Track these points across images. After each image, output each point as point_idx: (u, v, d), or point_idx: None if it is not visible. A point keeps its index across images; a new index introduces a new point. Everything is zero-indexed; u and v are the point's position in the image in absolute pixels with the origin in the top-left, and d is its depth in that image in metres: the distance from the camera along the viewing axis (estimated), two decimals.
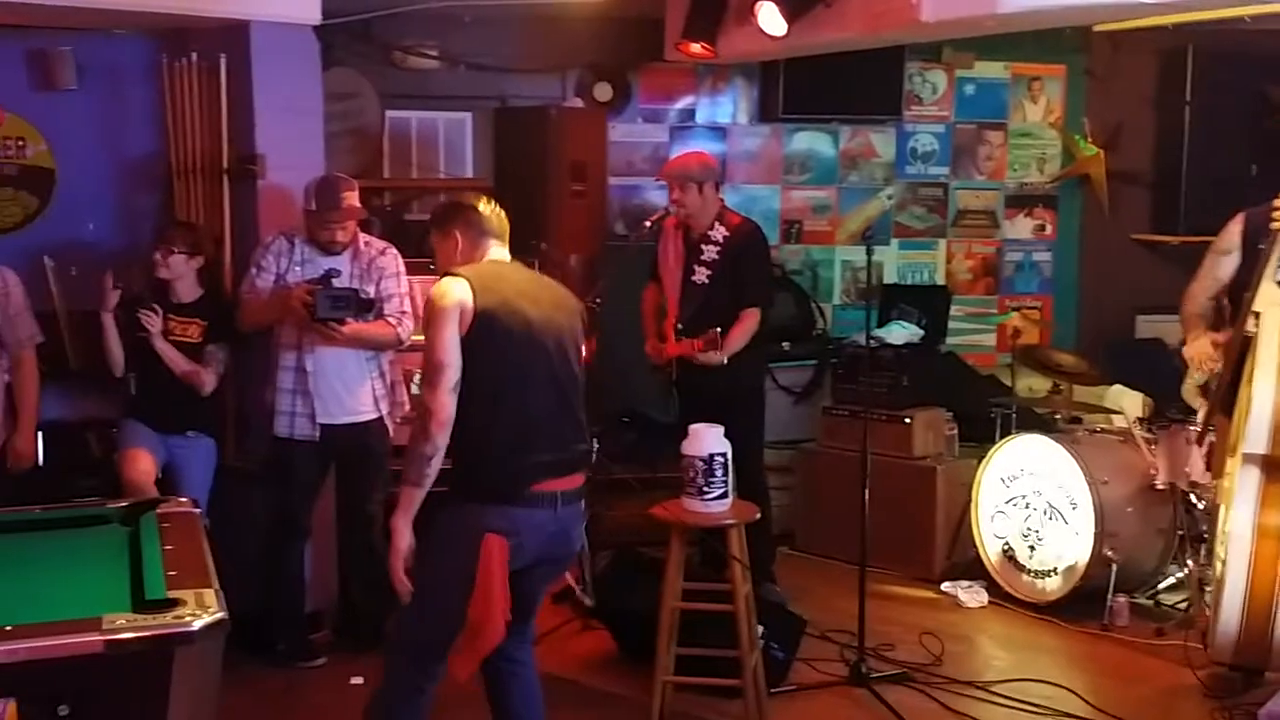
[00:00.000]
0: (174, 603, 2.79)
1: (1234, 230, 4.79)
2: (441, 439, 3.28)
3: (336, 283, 4.71)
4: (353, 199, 4.84)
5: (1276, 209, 4.47)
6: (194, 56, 5.25)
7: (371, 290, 4.82)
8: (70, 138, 5.49)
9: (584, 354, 3.60)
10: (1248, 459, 4.36)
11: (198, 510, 3.69)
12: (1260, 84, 7.07)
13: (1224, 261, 4.81)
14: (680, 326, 5.37)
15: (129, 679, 2.64)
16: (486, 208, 3.58)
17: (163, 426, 4.93)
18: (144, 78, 5.41)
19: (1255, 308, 4.45)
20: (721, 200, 5.55)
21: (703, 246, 5.40)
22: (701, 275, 5.39)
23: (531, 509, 3.33)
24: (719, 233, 5.40)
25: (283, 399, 4.81)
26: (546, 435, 3.38)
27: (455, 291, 3.32)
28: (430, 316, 3.32)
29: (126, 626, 2.66)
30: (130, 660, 2.64)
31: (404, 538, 3.32)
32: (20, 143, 5.46)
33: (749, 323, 5.29)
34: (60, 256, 5.34)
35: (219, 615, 2.75)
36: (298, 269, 4.83)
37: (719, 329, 5.10)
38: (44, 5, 4.67)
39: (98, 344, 4.90)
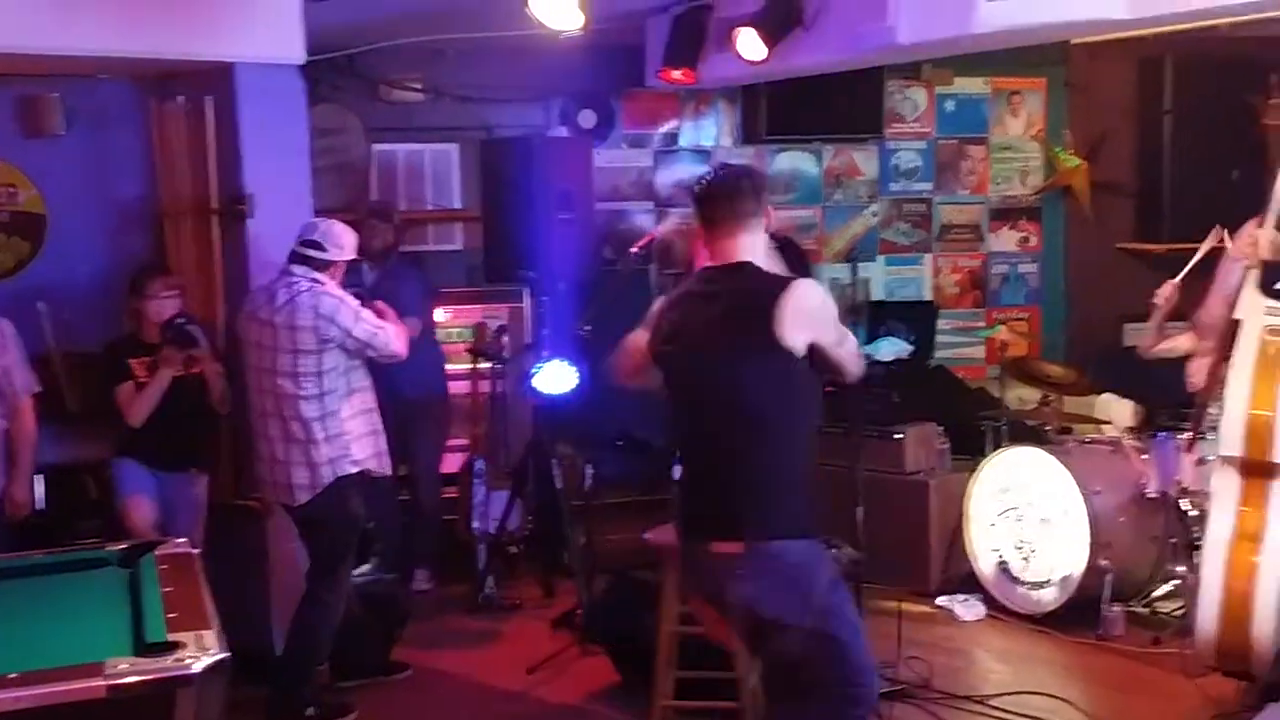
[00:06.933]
0: (174, 645, 2.82)
1: None
2: None
3: None
4: None
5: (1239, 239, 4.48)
6: (180, 100, 5.31)
7: None
8: (60, 183, 5.55)
9: None
10: (1225, 461, 4.42)
11: (196, 551, 3.71)
12: (1240, 90, 7.14)
13: (1237, 269, 4.80)
14: None
15: None
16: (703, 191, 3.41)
17: (162, 465, 4.96)
18: (131, 122, 5.48)
19: (1237, 315, 4.49)
20: None
21: None
22: None
23: None
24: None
25: (375, 440, 4.78)
26: None
27: None
28: None
29: (129, 671, 2.69)
30: (133, 704, 2.67)
31: None
32: (10, 189, 5.52)
33: None
34: (53, 300, 5.39)
35: (219, 656, 2.78)
36: None
37: None
38: (31, 54, 4.72)
39: (116, 394, 4.90)
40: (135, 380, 4.89)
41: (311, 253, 4.59)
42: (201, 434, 5.12)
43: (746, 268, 3.32)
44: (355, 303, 4.60)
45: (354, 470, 4.62)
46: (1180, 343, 5.63)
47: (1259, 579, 4.30)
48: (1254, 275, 4.47)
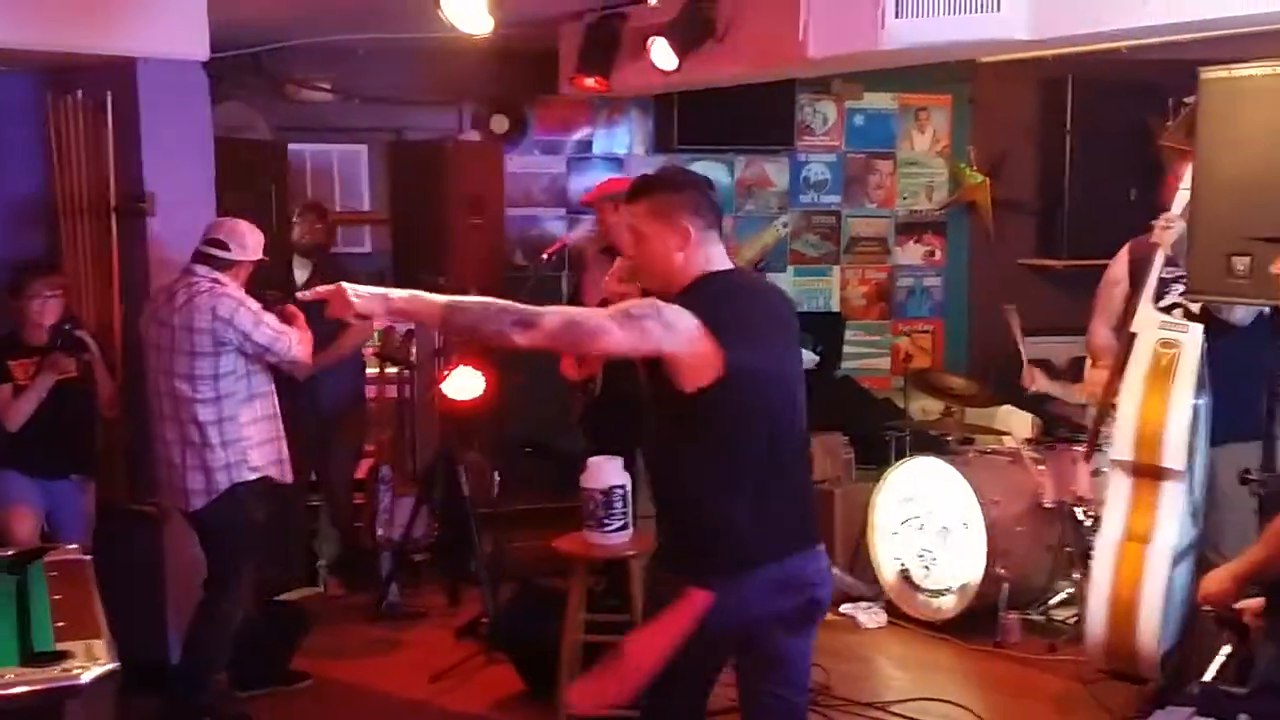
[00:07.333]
0: (63, 655, 2.76)
1: (1121, 261, 4.96)
2: None
3: None
4: None
5: (1154, 228, 4.61)
6: (79, 94, 5.18)
7: None
8: None
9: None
10: (1117, 465, 4.55)
11: (86, 558, 3.62)
12: (1139, 112, 7.30)
13: (1115, 292, 4.96)
14: None
15: None
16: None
17: (44, 472, 4.83)
18: (28, 116, 5.31)
19: (1132, 329, 4.61)
20: None
21: None
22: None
23: None
24: None
25: (275, 447, 4.67)
26: None
27: None
28: None
29: (14, 681, 2.64)
30: (19, 715, 2.62)
31: None
32: None
33: None
34: None
35: (109, 666, 2.73)
36: None
37: None
38: None
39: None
40: (14, 383, 4.75)
41: (215, 252, 4.50)
42: (86, 439, 5.00)
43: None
44: (256, 305, 4.52)
45: (252, 477, 4.54)
46: (1096, 373, 5.78)
47: (1146, 579, 4.40)
48: (1148, 292, 4.61)
